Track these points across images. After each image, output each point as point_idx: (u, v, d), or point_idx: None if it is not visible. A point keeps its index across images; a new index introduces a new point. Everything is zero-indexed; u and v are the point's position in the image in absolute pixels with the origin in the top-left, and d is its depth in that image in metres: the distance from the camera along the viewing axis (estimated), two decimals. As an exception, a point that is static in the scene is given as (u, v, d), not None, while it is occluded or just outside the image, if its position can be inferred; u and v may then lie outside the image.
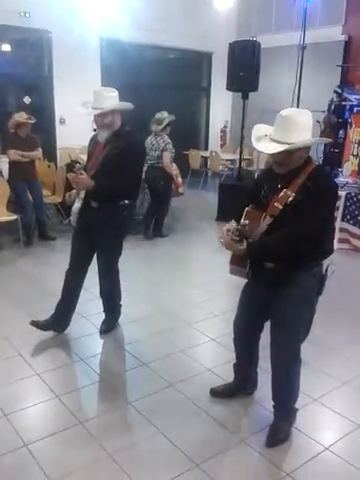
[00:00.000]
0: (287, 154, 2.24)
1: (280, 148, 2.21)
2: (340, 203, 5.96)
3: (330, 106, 7.50)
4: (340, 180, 6.38)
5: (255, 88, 6.80)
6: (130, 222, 3.69)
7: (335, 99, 7.49)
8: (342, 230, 6.03)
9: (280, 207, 2.31)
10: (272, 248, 2.32)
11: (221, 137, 11.55)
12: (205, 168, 10.51)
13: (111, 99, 3.23)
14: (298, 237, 2.27)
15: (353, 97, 7.26)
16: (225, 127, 11.54)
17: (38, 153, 5.74)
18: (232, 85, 6.95)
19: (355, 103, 7.19)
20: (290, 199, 2.28)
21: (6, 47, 8.44)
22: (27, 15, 7.84)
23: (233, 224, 2.31)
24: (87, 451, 2.46)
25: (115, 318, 3.79)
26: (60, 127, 8.77)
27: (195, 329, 3.83)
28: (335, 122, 7.27)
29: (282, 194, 2.31)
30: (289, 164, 2.30)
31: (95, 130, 3.36)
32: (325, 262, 2.44)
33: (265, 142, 2.30)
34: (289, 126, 2.23)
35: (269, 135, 2.31)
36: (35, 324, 3.57)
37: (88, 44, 8.38)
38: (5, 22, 7.52)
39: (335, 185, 2.43)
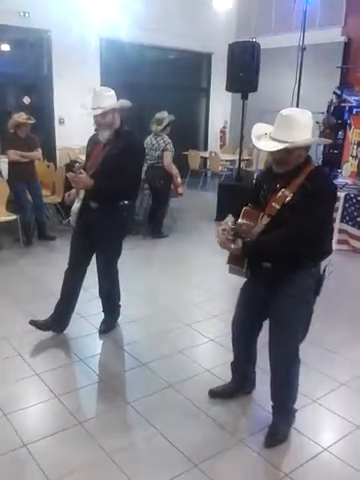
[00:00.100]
0: (286, 152, 2.25)
1: (280, 146, 2.22)
2: (339, 204, 5.97)
3: (329, 107, 7.51)
4: (339, 181, 6.39)
5: (255, 89, 6.80)
6: (130, 223, 3.69)
7: (334, 100, 7.50)
8: (341, 231, 6.03)
9: (278, 207, 2.32)
10: (268, 247, 2.33)
11: (220, 138, 11.56)
12: (204, 168, 10.52)
13: (110, 98, 3.24)
14: (295, 237, 2.28)
15: (352, 98, 7.27)
16: (224, 128, 11.55)
17: (38, 153, 5.74)
18: (232, 86, 6.95)
19: (354, 104, 7.20)
20: (288, 199, 2.29)
21: (5, 47, 8.46)
22: (27, 15, 7.84)
23: (229, 223, 2.31)
24: (86, 451, 2.47)
25: (114, 318, 3.79)
26: (59, 127, 8.77)
27: (194, 329, 3.84)
28: (334, 123, 7.28)
29: (280, 194, 2.32)
30: (288, 163, 2.31)
31: (96, 130, 3.37)
32: (323, 262, 2.45)
33: (265, 140, 2.31)
34: (289, 125, 2.24)
35: (269, 134, 2.32)
36: (34, 324, 3.57)
37: (88, 44, 8.38)
38: (4, 22, 7.53)
39: (334, 186, 2.44)
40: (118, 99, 3.30)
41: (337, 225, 5.97)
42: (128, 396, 2.98)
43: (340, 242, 6.00)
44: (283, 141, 2.23)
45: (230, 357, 2.90)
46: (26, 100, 8.54)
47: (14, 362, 3.27)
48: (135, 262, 5.20)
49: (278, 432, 2.58)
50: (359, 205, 5.88)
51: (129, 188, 3.32)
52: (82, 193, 3.31)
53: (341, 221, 6.03)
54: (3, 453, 2.42)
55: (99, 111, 3.17)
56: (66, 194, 3.47)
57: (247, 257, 2.39)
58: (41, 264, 5.20)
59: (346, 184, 6.33)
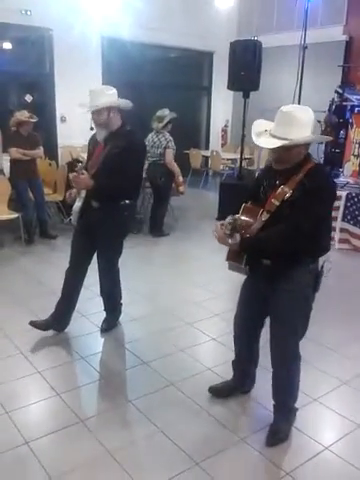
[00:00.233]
0: (285, 149, 2.25)
1: (279, 143, 2.22)
2: (341, 203, 5.97)
3: (331, 106, 7.50)
4: (341, 180, 6.39)
5: (256, 87, 6.79)
6: (131, 222, 3.69)
7: (336, 99, 7.50)
8: (342, 230, 6.03)
9: (277, 203, 2.32)
10: (267, 243, 2.33)
11: (222, 136, 11.55)
12: (206, 167, 10.51)
13: (107, 96, 3.21)
14: (293, 233, 2.28)
15: (354, 97, 7.26)
16: (226, 126, 11.53)
17: (40, 151, 5.75)
18: (233, 84, 6.94)
19: (356, 103, 7.19)
20: (287, 195, 2.29)
21: (7, 45, 8.46)
22: (28, 13, 7.84)
23: (228, 218, 2.31)
24: (87, 449, 2.47)
25: (116, 317, 3.79)
26: (61, 125, 8.77)
27: (195, 328, 3.84)
28: (336, 122, 7.28)
29: (279, 190, 2.32)
30: (288, 160, 2.31)
31: (92, 128, 3.36)
32: (321, 259, 2.45)
33: (265, 137, 2.31)
34: (289, 122, 2.24)
35: (269, 130, 2.32)
36: (34, 324, 3.56)
37: (89, 42, 8.38)
38: (6, 20, 7.52)
39: (332, 184, 2.43)
40: (120, 98, 3.29)
41: (338, 224, 5.98)
42: (129, 394, 2.99)
43: (341, 241, 6.01)
44: (282, 138, 2.22)
45: (231, 356, 2.90)
46: (28, 98, 8.54)
47: (16, 360, 3.28)
48: (136, 261, 5.20)
49: (279, 431, 2.59)
50: (360, 204, 5.88)
51: (130, 187, 3.32)
52: (83, 192, 3.31)
53: (342, 220, 6.02)
54: (5, 450, 2.43)
55: (93, 109, 3.17)
56: (67, 193, 3.47)
57: (246, 253, 2.39)
58: (42, 262, 5.20)
59: (347, 183, 6.33)
